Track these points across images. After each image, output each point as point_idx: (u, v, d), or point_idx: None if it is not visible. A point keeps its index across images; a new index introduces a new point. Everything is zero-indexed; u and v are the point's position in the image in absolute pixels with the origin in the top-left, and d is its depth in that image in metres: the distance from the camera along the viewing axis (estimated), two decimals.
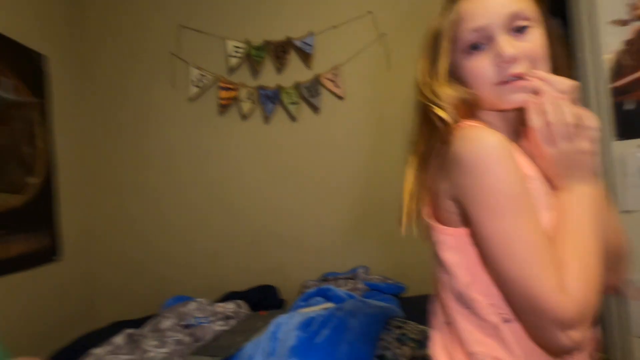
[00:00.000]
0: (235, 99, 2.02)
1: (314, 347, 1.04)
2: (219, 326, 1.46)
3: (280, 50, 2.03)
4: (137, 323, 1.58)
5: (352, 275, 1.84)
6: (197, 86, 2.02)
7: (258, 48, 2.02)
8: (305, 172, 2.03)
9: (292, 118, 2.04)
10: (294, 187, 2.03)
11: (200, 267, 2.01)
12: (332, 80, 2.02)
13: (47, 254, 1.66)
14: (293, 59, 2.05)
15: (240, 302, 1.64)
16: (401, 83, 2.00)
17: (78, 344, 1.54)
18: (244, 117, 2.04)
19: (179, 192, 2.04)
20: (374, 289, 1.73)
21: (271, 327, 1.19)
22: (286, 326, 1.17)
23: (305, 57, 2.03)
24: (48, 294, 1.65)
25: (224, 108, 2.03)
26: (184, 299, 1.66)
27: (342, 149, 2.03)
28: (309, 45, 2.01)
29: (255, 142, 2.05)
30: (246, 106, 2.02)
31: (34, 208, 1.58)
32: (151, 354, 1.25)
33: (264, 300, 1.77)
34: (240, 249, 2.03)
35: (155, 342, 1.30)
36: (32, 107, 1.64)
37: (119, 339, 1.35)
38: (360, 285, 1.73)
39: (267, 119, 2.03)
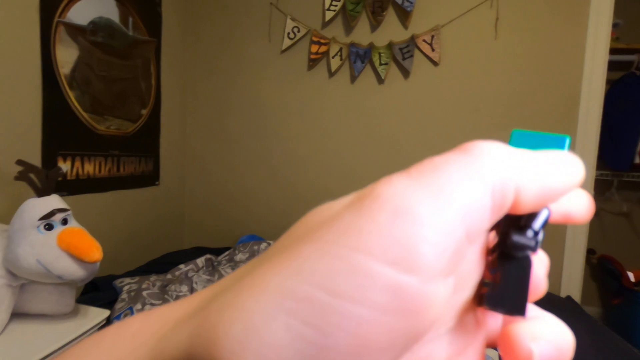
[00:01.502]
0: (325, 55, 2.01)
1: None
2: None
3: (377, 6, 1.94)
4: (215, 251, 1.78)
5: None
6: (290, 39, 2.05)
7: (355, 2, 1.95)
8: (386, 137, 1.99)
9: (380, 80, 1.97)
10: (371, 151, 2.01)
11: (272, 214, 2.14)
12: (428, 43, 1.89)
13: (151, 178, 1.91)
14: (390, 17, 1.95)
15: None
16: (507, 56, 1.80)
17: (167, 259, 1.79)
18: (332, 74, 2.03)
19: (261, 141, 2.16)
20: None
21: None
22: None
23: (404, 15, 1.92)
24: (148, 213, 1.92)
25: (313, 63, 2.04)
26: (256, 238, 1.80)
27: (428, 118, 1.94)
28: (410, 2, 1.88)
29: (338, 101, 2.05)
30: (335, 63, 2.00)
31: (142, 136, 1.80)
32: None
33: None
34: (310, 204, 2.10)
35: (230, 270, 1.46)
36: (150, 46, 1.82)
37: (200, 261, 1.54)
38: None
39: (354, 78, 2.00)
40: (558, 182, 0.13)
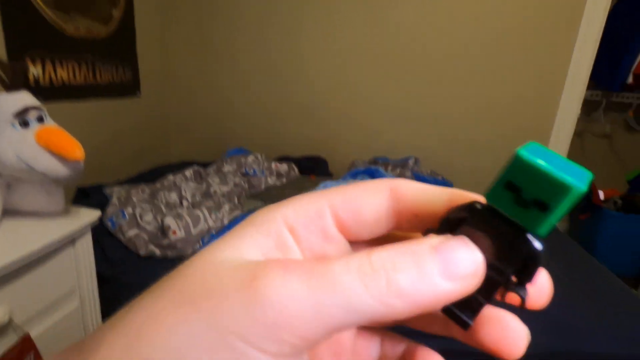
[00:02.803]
0: None
1: None
2: (271, 180, 1.61)
3: None
4: (202, 164, 1.79)
5: (402, 164, 1.86)
6: None
7: None
8: (392, 56, 1.89)
9: None
10: (373, 67, 1.93)
11: (261, 126, 2.12)
12: None
13: (131, 88, 1.82)
14: None
15: (292, 164, 1.76)
16: None
17: (155, 170, 1.80)
18: None
19: (256, 52, 2.03)
20: (421, 181, 1.75)
21: (319, 186, 1.29)
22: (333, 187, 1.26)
23: None
24: (131, 125, 1.87)
25: None
26: (243, 152, 1.81)
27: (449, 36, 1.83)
28: None
29: (320, 14, 1.89)
30: None
31: (117, 41, 1.67)
32: (214, 189, 1.43)
33: (314, 169, 1.88)
34: (295, 121, 2.08)
35: (218, 180, 1.49)
36: None
37: (188, 172, 1.56)
38: (408, 174, 1.76)
39: None
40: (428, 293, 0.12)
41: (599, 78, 2.16)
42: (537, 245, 0.13)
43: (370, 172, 1.62)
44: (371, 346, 0.17)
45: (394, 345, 0.17)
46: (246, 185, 1.55)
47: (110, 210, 1.23)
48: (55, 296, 0.94)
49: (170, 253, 1.15)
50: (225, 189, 1.44)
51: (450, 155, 1.96)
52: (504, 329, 0.15)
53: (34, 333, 0.89)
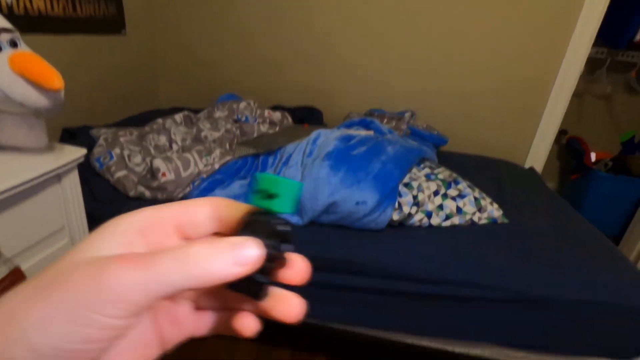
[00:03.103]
0: None
1: (349, 157, 1.12)
2: (264, 128, 1.57)
3: None
4: (193, 111, 1.74)
5: (397, 117, 1.82)
6: None
7: None
8: (394, 4, 1.78)
9: None
10: (374, 15, 1.82)
11: (256, 73, 2.03)
12: None
13: (116, 25, 1.71)
14: None
15: (286, 113, 1.71)
16: None
17: (144, 115, 1.75)
18: None
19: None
20: (417, 135, 1.73)
21: (313, 134, 1.26)
22: (327, 136, 1.23)
23: None
24: (116, 65, 1.78)
25: None
26: (235, 98, 1.75)
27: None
28: None
29: None
30: None
31: None
32: (205, 134, 1.40)
33: (308, 120, 1.84)
34: (289, 68, 1.99)
35: (209, 126, 1.45)
36: None
37: (178, 117, 1.51)
38: (404, 127, 1.73)
39: None
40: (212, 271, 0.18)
41: (605, 35, 2.08)
42: (286, 228, 0.19)
43: (365, 123, 1.59)
44: (203, 316, 0.23)
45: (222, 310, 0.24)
46: (238, 132, 1.52)
47: (97, 150, 1.20)
48: (45, 232, 0.93)
49: (160, 195, 1.14)
50: (216, 134, 1.41)
51: (448, 108, 1.92)
52: (287, 304, 0.21)
53: (24, 266, 0.89)
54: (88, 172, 1.17)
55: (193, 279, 0.17)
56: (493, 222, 1.23)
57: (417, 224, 1.16)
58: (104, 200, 1.11)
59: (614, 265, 1.07)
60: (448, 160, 1.75)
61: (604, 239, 1.20)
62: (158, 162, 1.11)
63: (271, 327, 1.10)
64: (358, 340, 1.16)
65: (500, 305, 0.99)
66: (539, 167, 1.94)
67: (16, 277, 0.85)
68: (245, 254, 0.18)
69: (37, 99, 0.75)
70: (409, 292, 1.02)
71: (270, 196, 0.19)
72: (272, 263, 0.19)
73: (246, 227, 0.19)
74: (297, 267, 0.20)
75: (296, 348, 1.34)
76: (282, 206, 0.19)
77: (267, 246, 0.18)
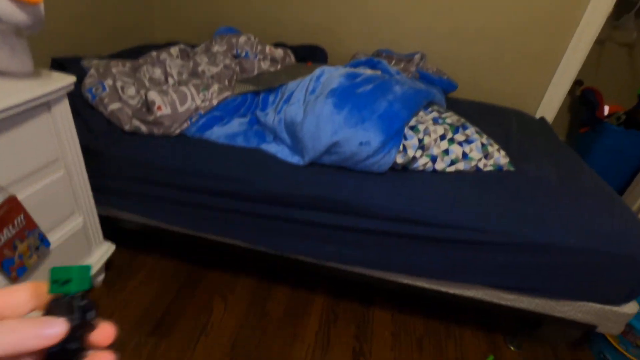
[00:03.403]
0: None
1: (354, 95, 1.06)
2: (265, 65, 1.48)
3: None
4: (190, 46, 1.63)
5: (406, 59, 1.72)
6: None
7: None
8: None
9: None
10: None
11: (258, 8, 1.89)
12: None
13: None
14: None
15: (288, 50, 1.61)
16: None
17: (138, 48, 1.65)
18: None
19: None
20: (425, 79, 1.64)
21: (317, 71, 1.19)
22: (331, 73, 1.16)
23: None
24: None
25: None
26: (234, 31, 1.64)
27: None
28: None
29: None
30: None
31: None
32: (202, 68, 1.32)
33: (312, 59, 1.73)
34: (300, 0, 1.84)
35: (206, 60, 1.36)
36: None
37: (174, 50, 1.42)
38: (413, 69, 1.64)
39: None
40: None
41: None
42: (86, 301, 0.24)
43: (372, 63, 1.50)
44: None
45: None
46: (237, 68, 1.43)
47: (88, 81, 1.14)
48: (38, 163, 0.91)
49: (156, 130, 1.10)
50: (214, 69, 1.33)
51: (460, 51, 1.80)
52: None
53: (20, 196, 0.88)
54: (80, 104, 1.12)
55: (2, 349, 0.20)
56: (499, 169, 1.20)
57: (421, 168, 1.13)
58: (99, 133, 1.07)
59: (615, 214, 1.05)
60: (456, 107, 1.68)
61: (609, 189, 1.18)
62: (153, 95, 1.06)
63: (270, 265, 1.12)
64: (355, 280, 1.18)
65: (497, 250, 1.00)
66: (549, 119, 1.88)
67: (12, 205, 0.84)
68: (46, 331, 0.21)
69: (15, 13, 0.69)
70: (408, 235, 1.02)
71: (66, 282, 0.23)
72: (81, 331, 0.23)
73: (52, 308, 0.23)
74: (103, 331, 0.24)
75: (295, 286, 1.38)
76: (78, 287, 0.23)
77: (70, 320, 0.22)
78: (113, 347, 0.24)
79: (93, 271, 1.14)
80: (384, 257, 1.06)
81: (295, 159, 1.08)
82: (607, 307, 1.05)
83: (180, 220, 1.13)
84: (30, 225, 0.89)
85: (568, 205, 1.06)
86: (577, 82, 2.32)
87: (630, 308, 1.05)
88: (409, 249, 1.04)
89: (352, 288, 1.41)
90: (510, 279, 1.04)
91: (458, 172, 1.16)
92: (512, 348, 1.26)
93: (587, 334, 1.33)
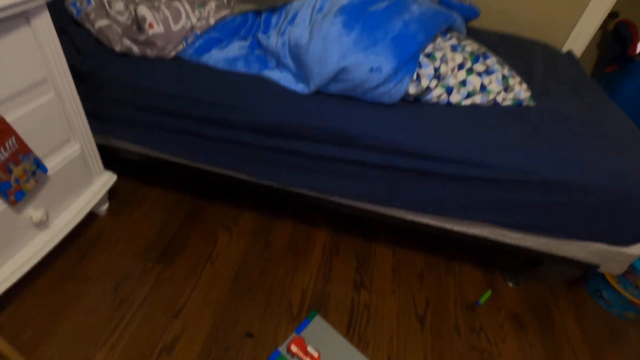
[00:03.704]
0: None
1: (366, 13, 0.95)
2: None
3: None
4: None
5: None
6: None
7: None
8: None
9: None
10: None
11: None
12: None
13: None
14: None
15: None
16: None
17: None
18: None
19: None
20: (445, 3, 1.48)
21: None
22: None
23: None
24: None
25: None
26: None
27: None
28: None
29: None
30: None
31: None
32: None
33: None
34: None
35: None
36: None
37: None
38: None
39: None
40: None
41: None
42: None
43: None
44: None
45: None
46: None
47: None
48: (24, 83, 0.85)
49: (149, 52, 1.01)
50: None
51: None
52: None
53: (9, 118, 0.84)
54: (65, 21, 1.03)
55: None
56: (518, 104, 1.11)
57: (435, 100, 1.05)
58: (88, 53, 0.99)
59: (636, 154, 0.99)
60: (477, 36, 1.54)
61: (634, 129, 1.11)
62: (143, 10, 0.96)
63: (274, 199, 1.09)
64: (358, 215, 1.17)
65: (509, 188, 0.96)
66: (577, 53, 1.73)
67: (1, 127, 0.80)
68: None
69: None
70: (416, 170, 0.98)
71: None
72: None
73: None
74: None
75: (298, 220, 1.39)
76: None
77: None
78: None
79: (95, 199, 1.13)
80: (390, 192, 1.03)
81: (299, 87, 1.01)
82: (614, 248, 1.04)
83: (177, 150, 1.09)
84: (23, 148, 0.85)
85: (589, 143, 1.00)
86: (612, 15, 2.10)
87: (636, 249, 1.03)
88: (417, 185, 1.00)
89: (355, 223, 1.41)
90: (520, 217, 1.01)
91: (474, 106, 1.08)
92: (510, 285, 1.28)
93: (585, 272, 1.34)
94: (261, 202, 1.43)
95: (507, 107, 1.10)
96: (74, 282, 1.08)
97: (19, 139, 0.84)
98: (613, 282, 1.21)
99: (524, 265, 1.28)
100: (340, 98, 1.02)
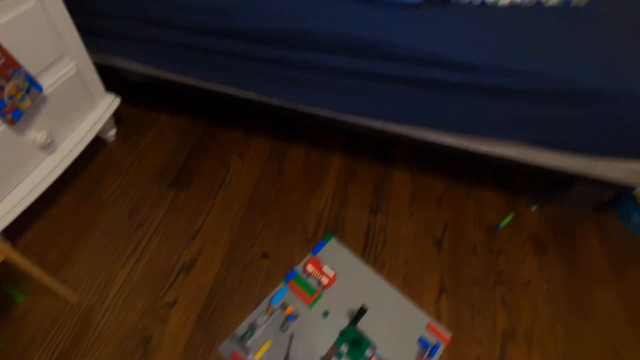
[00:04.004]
0: None
1: None
2: None
3: None
4: None
5: None
6: None
7: None
8: None
9: None
10: None
11: None
12: None
13: None
14: None
15: None
16: None
17: None
18: None
19: None
20: None
21: None
22: None
23: None
24: None
25: None
26: None
27: None
28: None
29: None
30: None
31: None
32: None
33: None
34: None
35: None
36: None
37: None
38: None
39: None
40: None
41: None
42: None
43: None
44: None
45: None
46: None
47: None
48: None
49: None
50: None
51: None
52: None
53: None
54: None
55: None
56: (565, 2, 0.95)
57: (467, 0, 0.90)
58: None
59: None
60: None
61: None
62: None
63: (285, 121, 0.98)
64: (375, 136, 1.10)
65: (548, 100, 0.85)
66: None
67: None
68: None
69: None
70: (441, 82, 0.87)
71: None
72: None
73: None
74: None
75: (311, 145, 1.33)
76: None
77: None
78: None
79: (101, 123, 1.09)
80: (412, 108, 0.94)
81: None
82: None
83: (178, 67, 1.01)
84: (11, 63, 0.79)
85: (638, 49, 0.85)
86: None
87: None
88: (443, 99, 0.91)
89: (371, 146, 1.34)
90: (557, 133, 0.91)
91: (514, 6, 0.93)
92: (533, 209, 1.23)
93: (617, 195, 1.27)
94: (273, 125, 1.36)
95: (552, 6, 0.94)
96: (91, 206, 1.09)
97: (5, 53, 0.77)
98: None
99: (550, 188, 1.21)
100: (358, 0, 0.89)
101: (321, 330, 0.90)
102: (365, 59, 0.88)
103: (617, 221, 1.24)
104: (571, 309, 1.02)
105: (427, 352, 0.88)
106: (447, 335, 0.93)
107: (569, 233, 1.19)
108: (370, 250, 1.08)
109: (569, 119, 0.88)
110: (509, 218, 1.18)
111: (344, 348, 0.88)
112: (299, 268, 1.01)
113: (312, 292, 0.96)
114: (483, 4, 0.92)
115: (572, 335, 0.97)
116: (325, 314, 0.93)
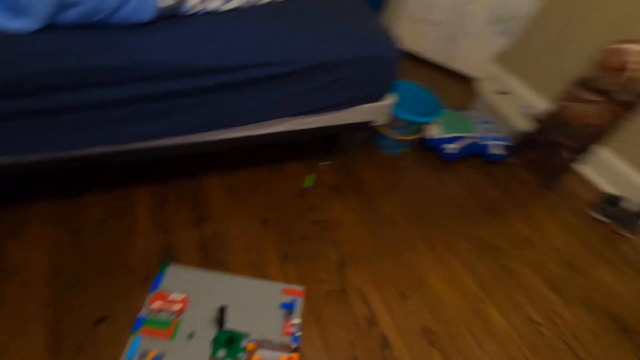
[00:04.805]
0: None
1: None
2: None
3: None
4: None
5: None
6: None
7: None
8: None
9: None
10: None
11: None
12: None
13: None
14: None
15: None
16: None
17: None
18: None
19: None
20: None
21: None
22: None
23: None
24: None
25: None
26: None
27: None
28: None
29: None
30: None
31: None
32: None
33: None
34: None
35: None
36: None
37: None
38: None
39: None
40: None
41: None
42: None
43: None
44: None
45: None
46: None
47: None
48: None
49: None
50: None
51: None
52: None
53: None
54: None
55: None
56: (271, 1, 1.19)
57: (192, 11, 1.01)
58: None
59: (371, 28, 1.24)
60: None
61: (364, 7, 1.35)
62: None
63: (70, 176, 0.85)
64: (162, 156, 1.11)
65: (289, 79, 1.07)
66: None
67: None
68: None
69: None
70: (201, 87, 0.96)
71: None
72: None
73: None
74: None
75: (105, 186, 1.21)
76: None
77: None
78: None
79: None
80: (182, 120, 1.00)
81: (18, 24, 0.79)
82: (375, 104, 1.33)
83: None
84: None
85: (333, 26, 1.17)
86: None
87: (389, 99, 1.35)
88: (209, 103, 1.00)
89: (169, 167, 1.34)
90: (308, 102, 1.15)
91: (234, 10, 1.09)
92: (326, 164, 1.52)
93: (370, 135, 1.70)
94: (45, 188, 1.17)
95: (263, 5, 1.16)
96: None
97: None
98: (385, 131, 1.58)
99: (328, 145, 1.51)
100: (85, 28, 0.86)
101: (193, 351, 0.89)
102: (120, 85, 0.87)
103: (379, 151, 1.66)
104: (371, 221, 1.34)
105: (291, 312, 1.00)
106: (300, 289, 1.07)
107: (353, 171, 1.53)
108: (210, 258, 1.11)
109: (312, 89, 1.12)
110: (310, 178, 1.41)
111: (221, 353, 0.90)
112: (145, 311, 0.95)
113: (168, 325, 0.93)
114: (208, 13, 1.05)
115: (377, 235, 1.28)
116: (190, 335, 0.92)
